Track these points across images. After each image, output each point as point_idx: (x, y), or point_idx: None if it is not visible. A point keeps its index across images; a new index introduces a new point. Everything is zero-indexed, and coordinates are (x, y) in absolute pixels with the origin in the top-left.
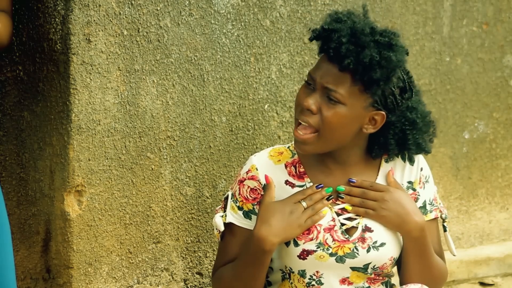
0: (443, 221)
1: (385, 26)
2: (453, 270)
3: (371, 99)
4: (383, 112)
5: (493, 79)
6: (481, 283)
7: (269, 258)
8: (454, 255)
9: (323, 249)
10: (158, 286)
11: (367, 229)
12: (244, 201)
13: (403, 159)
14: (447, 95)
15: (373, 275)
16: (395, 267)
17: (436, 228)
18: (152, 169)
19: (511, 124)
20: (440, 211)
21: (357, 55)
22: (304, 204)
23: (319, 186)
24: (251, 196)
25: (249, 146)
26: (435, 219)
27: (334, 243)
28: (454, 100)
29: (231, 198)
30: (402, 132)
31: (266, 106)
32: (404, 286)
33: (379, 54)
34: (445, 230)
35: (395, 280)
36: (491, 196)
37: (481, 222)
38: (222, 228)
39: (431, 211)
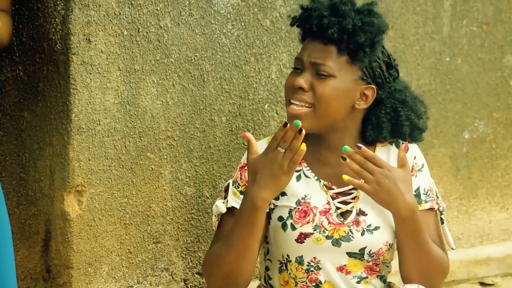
0: (441, 213)
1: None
2: (453, 270)
3: (360, 72)
4: (373, 86)
5: (493, 79)
6: (481, 283)
7: (263, 218)
8: (452, 248)
9: (319, 232)
10: (158, 286)
11: (361, 212)
12: (246, 184)
13: (397, 147)
14: (447, 95)
15: (371, 263)
16: (393, 264)
17: (434, 220)
18: (152, 169)
19: (511, 124)
20: (438, 204)
21: (340, 24)
22: (280, 149)
23: (285, 124)
24: None
25: None
26: (431, 209)
27: (330, 226)
28: (454, 100)
29: (233, 185)
30: (394, 111)
31: (266, 106)
32: (401, 286)
33: (361, 20)
34: (442, 223)
35: (393, 279)
36: (491, 196)
37: (481, 222)
38: (224, 210)
39: (426, 201)
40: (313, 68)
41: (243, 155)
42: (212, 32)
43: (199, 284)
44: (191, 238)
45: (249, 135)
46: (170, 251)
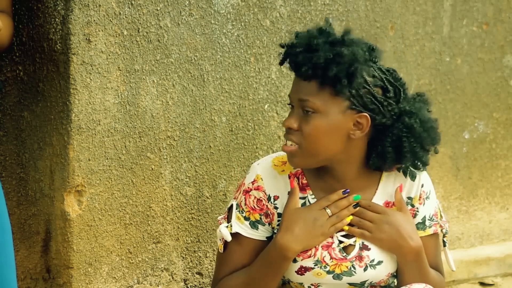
0: (444, 235)
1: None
2: None
3: (347, 101)
4: (366, 114)
5: (493, 79)
6: (481, 283)
7: (288, 266)
8: (453, 270)
9: (320, 267)
10: (158, 286)
11: (364, 247)
12: (251, 211)
13: (405, 174)
14: (447, 95)
15: None
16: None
17: (435, 243)
18: (152, 169)
19: (511, 124)
20: (441, 226)
21: (311, 60)
22: (328, 211)
23: (346, 191)
24: (258, 207)
25: (249, 146)
26: (434, 234)
27: (332, 261)
28: (454, 100)
29: (236, 208)
30: (399, 139)
31: (266, 106)
32: (408, 285)
33: (332, 52)
34: (444, 245)
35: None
36: (491, 196)
37: (481, 222)
38: (229, 239)
39: (430, 227)
40: (300, 105)
41: (242, 156)
42: (212, 32)
43: (199, 284)
44: (191, 238)
45: (295, 185)
46: (170, 251)
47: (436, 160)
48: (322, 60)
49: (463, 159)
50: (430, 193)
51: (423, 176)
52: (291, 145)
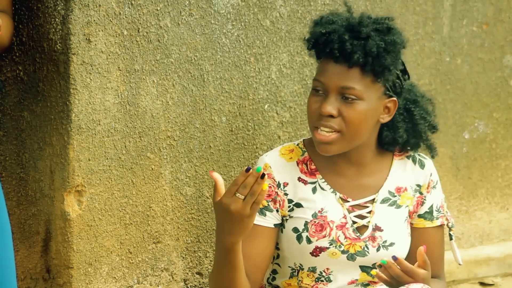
0: (450, 229)
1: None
2: (453, 270)
3: (383, 87)
4: (395, 98)
5: (493, 79)
6: (481, 283)
7: (237, 256)
8: (459, 264)
9: (335, 246)
10: (158, 286)
11: (377, 228)
12: None
13: (414, 161)
14: (447, 95)
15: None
16: None
17: (441, 234)
18: (152, 169)
19: (511, 124)
20: (447, 219)
21: (364, 48)
22: (238, 195)
23: (248, 169)
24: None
25: (249, 146)
26: (441, 226)
27: (346, 241)
28: (454, 100)
29: None
30: (406, 111)
31: (266, 106)
32: (405, 285)
33: (384, 42)
34: (451, 239)
35: None
36: (491, 196)
37: (481, 222)
38: None
39: (437, 218)
40: (339, 92)
41: (243, 156)
42: (212, 32)
43: (199, 284)
44: (191, 238)
45: (215, 175)
46: (170, 251)
47: (436, 160)
48: (375, 49)
49: (463, 159)
50: (437, 183)
51: (431, 166)
52: (330, 132)
